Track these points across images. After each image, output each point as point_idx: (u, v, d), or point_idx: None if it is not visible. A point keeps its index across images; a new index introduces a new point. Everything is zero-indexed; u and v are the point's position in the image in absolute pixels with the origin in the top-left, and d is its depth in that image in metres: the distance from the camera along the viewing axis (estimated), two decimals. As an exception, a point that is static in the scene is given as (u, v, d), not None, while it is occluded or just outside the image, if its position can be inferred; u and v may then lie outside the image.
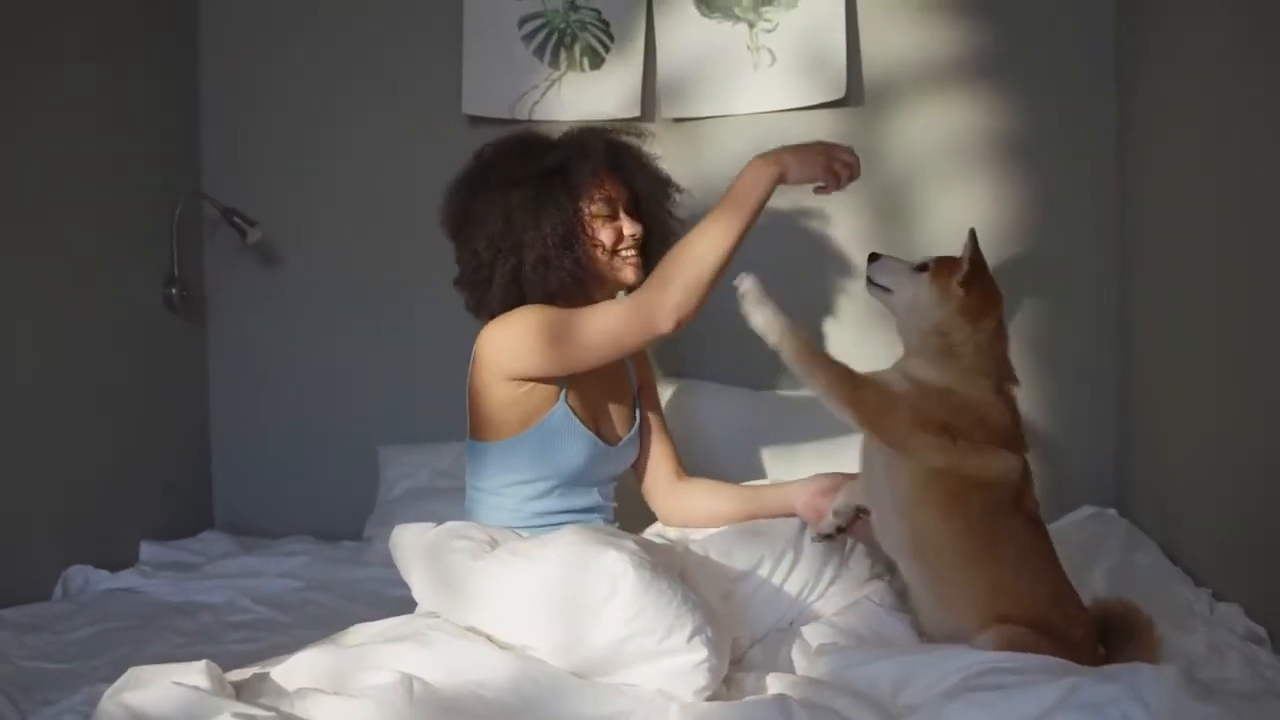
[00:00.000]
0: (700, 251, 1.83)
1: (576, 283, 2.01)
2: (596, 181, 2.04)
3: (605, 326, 1.89)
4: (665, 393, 2.71)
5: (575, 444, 2.01)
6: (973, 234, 1.81)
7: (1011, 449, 1.79)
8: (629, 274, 2.07)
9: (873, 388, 1.80)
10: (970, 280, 1.80)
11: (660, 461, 2.23)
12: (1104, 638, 1.73)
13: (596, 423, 2.08)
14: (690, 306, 1.83)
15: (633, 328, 1.88)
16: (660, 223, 2.14)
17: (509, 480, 2.02)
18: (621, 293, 2.15)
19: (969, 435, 1.75)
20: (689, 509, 2.19)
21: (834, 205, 2.81)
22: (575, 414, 2.01)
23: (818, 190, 1.93)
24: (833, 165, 1.89)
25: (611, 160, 2.09)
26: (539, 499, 2.02)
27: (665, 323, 1.84)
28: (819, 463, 2.21)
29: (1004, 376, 1.84)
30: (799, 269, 2.83)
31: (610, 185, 2.07)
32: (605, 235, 2.04)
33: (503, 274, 2.00)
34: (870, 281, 1.95)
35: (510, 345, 1.95)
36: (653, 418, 2.25)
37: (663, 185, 2.17)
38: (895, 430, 1.76)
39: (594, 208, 2.04)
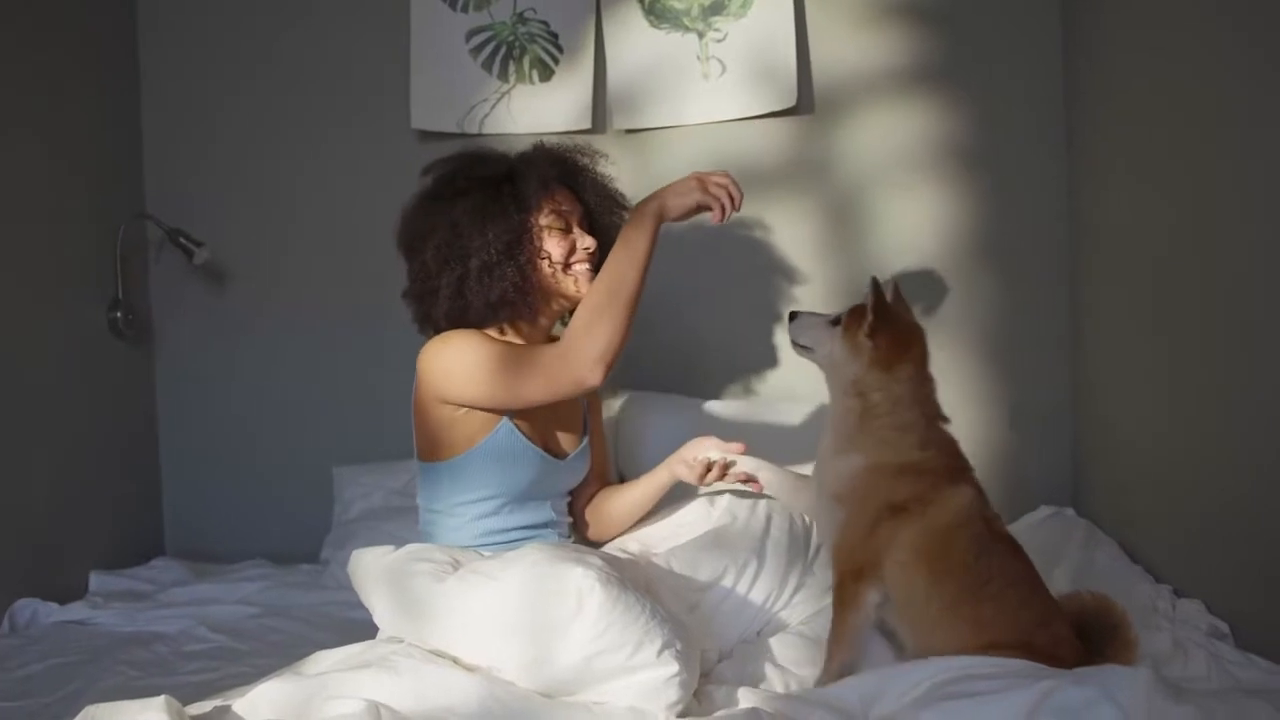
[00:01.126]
0: (608, 302, 1.86)
1: (519, 293, 1.99)
2: (546, 193, 2.03)
3: (538, 378, 1.89)
4: (615, 402, 2.71)
5: (523, 460, 1.99)
6: (874, 282, 1.82)
7: (961, 481, 1.80)
8: (576, 288, 2.05)
9: (844, 587, 1.78)
10: (877, 330, 1.81)
11: (596, 482, 2.24)
12: (1079, 633, 1.73)
13: (544, 437, 2.06)
14: (611, 356, 1.86)
15: (563, 380, 1.88)
16: (613, 239, 2.13)
17: (459, 500, 2.00)
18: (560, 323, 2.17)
19: (916, 494, 1.76)
20: (602, 515, 2.20)
21: (788, 213, 2.83)
22: (520, 430, 1.99)
23: (711, 222, 1.94)
24: (708, 188, 1.90)
25: (563, 175, 2.09)
26: (491, 516, 2.00)
27: (593, 376, 1.86)
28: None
29: (930, 420, 1.84)
30: (753, 276, 2.84)
31: (562, 199, 2.06)
32: (554, 248, 2.02)
33: (449, 283, 1.98)
34: (794, 343, 1.97)
35: (446, 374, 1.93)
36: (597, 436, 2.26)
37: (615, 201, 2.17)
38: (879, 549, 1.75)
39: (544, 220, 2.02)
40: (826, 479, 1.85)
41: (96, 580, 2.65)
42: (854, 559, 1.76)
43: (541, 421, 2.05)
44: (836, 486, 1.82)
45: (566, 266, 2.04)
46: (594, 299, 1.88)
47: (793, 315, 1.99)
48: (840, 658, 1.73)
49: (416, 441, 2.04)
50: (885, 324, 1.82)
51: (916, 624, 1.74)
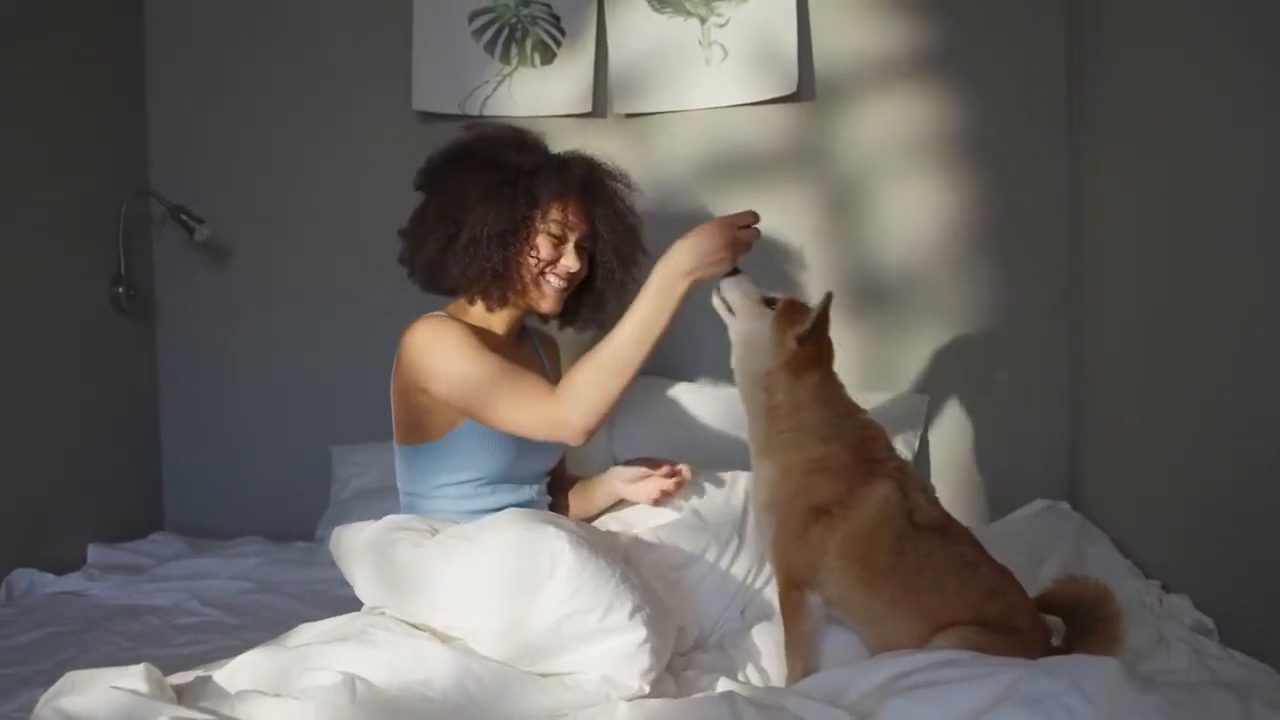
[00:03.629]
0: (614, 365, 1.80)
1: (495, 278, 1.99)
2: (559, 200, 2.02)
3: (518, 420, 1.88)
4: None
5: (500, 442, 1.98)
6: (829, 297, 1.80)
7: (877, 475, 1.78)
8: (546, 304, 2.06)
9: (788, 596, 1.78)
10: (808, 338, 1.80)
11: (561, 472, 2.26)
12: (1070, 616, 1.74)
13: None
14: (596, 424, 1.83)
15: (539, 431, 1.87)
16: (608, 274, 2.11)
17: (439, 482, 2.01)
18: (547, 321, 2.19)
19: (835, 496, 1.75)
20: (571, 510, 2.23)
21: (787, 200, 2.82)
22: None
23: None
24: (737, 240, 1.82)
25: (586, 190, 2.07)
26: (472, 498, 2.01)
27: (574, 440, 1.85)
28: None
29: (841, 416, 1.83)
30: (750, 263, 2.81)
31: (572, 211, 2.04)
32: (545, 250, 2.01)
33: (436, 240, 2.00)
34: (719, 296, 1.91)
35: (428, 373, 1.93)
36: None
37: (626, 237, 2.13)
38: (813, 557, 1.75)
39: (547, 221, 2.01)
40: (754, 490, 1.86)
41: (95, 553, 2.67)
42: (793, 569, 1.77)
43: None
44: (762, 495, 1.83)
45: (542, 273, 2.03)
46: (602, 362, 1.81)
47: (733, 271, 1.87)
48: (800, 665, 1.74)
49: (395, 424, 2.06)
50: (816, 335, 1.82)
51: (866, 622, 1.75)
